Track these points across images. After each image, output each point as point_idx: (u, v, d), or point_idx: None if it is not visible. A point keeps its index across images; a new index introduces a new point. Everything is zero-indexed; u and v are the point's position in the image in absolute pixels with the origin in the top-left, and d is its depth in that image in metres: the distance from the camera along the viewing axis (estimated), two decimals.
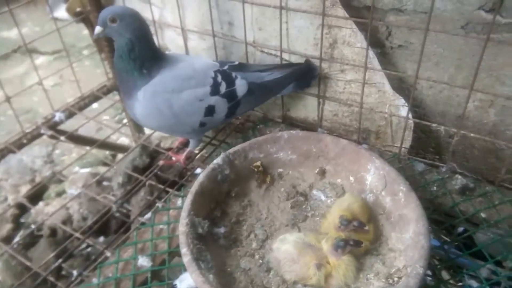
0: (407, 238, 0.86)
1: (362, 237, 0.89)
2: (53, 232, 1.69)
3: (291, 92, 1.29)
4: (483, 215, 1.02)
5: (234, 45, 1.34)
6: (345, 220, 0.89)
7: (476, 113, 1.15)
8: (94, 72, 2.88)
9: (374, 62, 1.13)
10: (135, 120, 1.17)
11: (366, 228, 0.90)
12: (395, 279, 0.82)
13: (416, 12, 1.07)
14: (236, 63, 1.21)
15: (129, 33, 1.04)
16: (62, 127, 1.58)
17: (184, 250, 0.83)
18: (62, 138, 1.47)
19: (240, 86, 1.14)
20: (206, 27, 1.34)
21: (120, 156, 2.22)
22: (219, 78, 1.13)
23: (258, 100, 1.21)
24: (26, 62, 3.37)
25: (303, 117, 1.39)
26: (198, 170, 1.23)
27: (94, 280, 0.96)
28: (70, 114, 1.55)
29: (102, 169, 2.23)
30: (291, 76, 1.19)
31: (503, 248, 0.95)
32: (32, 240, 1.73)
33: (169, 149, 1.46)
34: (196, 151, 1.35)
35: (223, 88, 1.12)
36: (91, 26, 1.65)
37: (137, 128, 1.92)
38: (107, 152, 2.31)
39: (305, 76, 1.22)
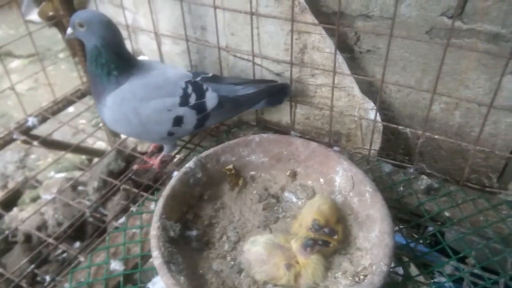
0: (373, 237, 0.88)
1: (331, 237, 0.91)
2: (28, 238, 1.67)
3: (262, 108, 1.30)
4: (447, 213, 1.06)
5: (207, 49, 1.36)
6: (317, 225, 0.91)
7: (442, 115, 1.19)
8: (70, 76, 2.85)
9: (343, 66, 1.16)
10: (105, 124, 1.18)
11: (336, 237, 0.91)
12: (361, 277, 0.85)
13: (383, 18, 1.11)
14: (210, 74, 1.20)
15: (96, 39, 1.04)
16: (37, 132, 1.57)
17: (155, 253, 0.84)
18: (35, 143, 1.46)
19: (210, 99, 1.14)
20: (179, 31, 1.35)
21: (96, 160, 2.21)
22: (190, 89, 1.13)
23: (228, 113, 1.22)
24: (0, 66, 3.32)
25: (276, 120, 1.41)
26: (175, 174, 1.24)
27: (66, 285, 0.96)
28: (43, 119, 1.54)
29: (78, 174, 2.21)
30: (263, 92, 1.19)
31: (465, 245, 0.99)
32: (6, 247, 1.71)
33: (144, 154, 1.47)
34: (171, 155, 1.36)
35: (192, 99, 1.12)
36: (63, 30, 1.64)
37: (113, 132, 1.91)
38: (84, 157, 2.30)
39: (278, 93, 1.23)
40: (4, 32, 3.76)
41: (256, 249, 0.89)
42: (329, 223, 0.92)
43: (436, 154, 1.27)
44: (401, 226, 1.07)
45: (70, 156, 1.94)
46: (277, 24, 1.18)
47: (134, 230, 1.08)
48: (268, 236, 0.92)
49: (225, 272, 0.91)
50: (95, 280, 0.97)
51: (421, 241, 1.05)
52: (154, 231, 0.87)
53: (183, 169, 1.01)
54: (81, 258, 1.09)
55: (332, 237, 0.91)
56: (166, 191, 0.95)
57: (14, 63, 3.46)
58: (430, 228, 1.09)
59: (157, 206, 0.92)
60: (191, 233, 0.97)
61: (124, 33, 1.33)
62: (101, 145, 2.42)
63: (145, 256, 1.01)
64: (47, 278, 1.05)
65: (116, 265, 0.99)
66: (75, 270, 1.00)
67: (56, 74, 3.09)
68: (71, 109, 2.03)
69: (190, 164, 1.02)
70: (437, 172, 1.27)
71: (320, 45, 1.15)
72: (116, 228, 1.11)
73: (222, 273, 0.91)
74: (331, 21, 1.14)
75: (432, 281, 0.97)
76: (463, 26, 1.03)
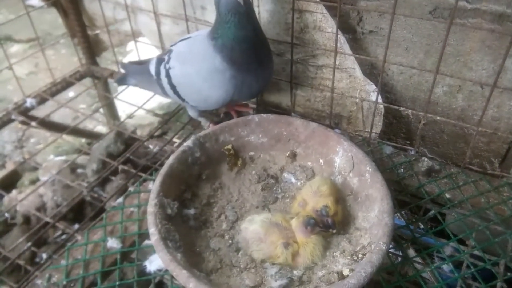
0: (372, 217, 0.88)
1: (327, 228, 0.90)
2: (27, 220, 1.67)
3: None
4: (447, 195, 1.05)
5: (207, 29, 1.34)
6: (325, 211, 0.90)
7: (445, 98, 1.18)
8: (71, 60, 2.84)
9: (345, 47, 1.14)
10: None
11: (334, 231, 0.90)
12: (360, 255, 0.84)
13: None
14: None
15: None
16: (36, 114, 1.56)
17: (152, 230, 0.83)
18: (33, 123, 1.45)
19: None
20: (179, 11, 1.33)
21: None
22: None
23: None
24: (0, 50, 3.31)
25: (277, 102, 1.39)
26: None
27: (63, 262, 0.96)
28: (41, 100, 1.53)
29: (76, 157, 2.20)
30: None
31: (466, 227, 0.98)
32: (5, 229, 1.70)
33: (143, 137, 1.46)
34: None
35: None
36: (62, 11, 1.62)
37: (112, 114, 1.90)
38: (83, 141, 2.29)
39: None
40: (4, 16, 3.74)
41: (253, 228, 0.89)
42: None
43: (438, 139, 1.26)
44: (401, 208, 1.06)
45: (70, 140, 1.93)
46: (277, 2, 1.16)
47: (131, 209, 1.07)
48: (266, 215, 0.91)
49: (223, 250, 0.91)
50: (91, 257, 0.96)
51: (420, 223, 1.05)
52: (151, 208, 0.87)
53: (181, 148, 1.00)
54: (79, 237, 1.08)
55: (330, 229, 0.89)
56: (164, 169, 0.94)
57: (14, 48, 3.44)
58: (432, 212, 1.08)
59: (154, 184, 0.91)
60: (189, 212, 0.96)
61: (123, 14, 1.32)
62: (101, 129, 2.42)
63: (143, 235, 1.01)
64: (44, 255, 1.04)
65: (113, 243, 0.98)
66: (71, 247, 0.99)
67: (56, 59, 3.08)
68: (71, 93, 2.03)
69: (188, 142, 1.01)
70: (439, 157, 1.26)
71: (322, 24, 1.14)
72: (114, 207, 1.10)
73: (219, 251, 0.91)
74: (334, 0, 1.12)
75: (436, 263, 0.96)
76: (467, 5, 1.01)
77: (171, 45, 1.17)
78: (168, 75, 1.12)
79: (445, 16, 1.05)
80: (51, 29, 3.38)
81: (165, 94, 1.18)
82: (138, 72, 1.25)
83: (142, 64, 1.25)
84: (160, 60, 1.15)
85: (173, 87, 1.13)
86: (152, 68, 1.17)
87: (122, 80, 1.32)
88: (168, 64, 1.12)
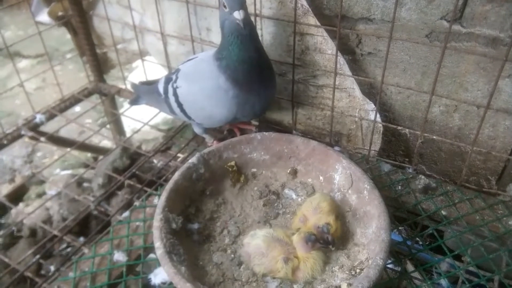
0: (370, 233, 0.91)
1: (327, 245, 0.93)
2: (33, 232, 1.69)
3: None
4: (443, 212, 1.08)
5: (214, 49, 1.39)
6: (327, 229, 0.92)
7: (442, 117, 1.21)
8: (78, 76, 2.90)
9: (345, 68, 1.18)
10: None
11: (333, 249, 0.93)
12: (358, 270, 0.87)
13: (384, 21, 1.13)
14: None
15: None
16: (44, 129, 1.60)
17: (157, 244, 0.86)
18: (42, 139, 1.49)
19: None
20: (185, 32, 1.38)
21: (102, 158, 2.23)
22: None
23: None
24: (9, 65, 3.37)
25: (278, 120, 1.43)
26: None
27: (71, 274, 0.99)
28: (50, 116, 1.57)
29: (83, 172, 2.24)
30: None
31: (461, 243, 1.01)
32: (12, 241, 1.73)
33: (148, 152, 1.49)
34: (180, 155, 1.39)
35: None
36: (72, 30, 1.68)
37: (119, 130, 1.94)
38: (89, 155, 2.33)
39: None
40: (13, 32, 3.82)
41: (255, 242, 0.91)
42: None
43: (436, 156, 1.29)
44: (398, 224, 1.09)
45: (76, 154, 1.97)
46: (280, 25, 1.21)
47: (137, 223, 1.10)
48: (268, 230, 0.94)
49: (225, 264, 0.94)
50: (98, 270, 0.99)
51: (417, 239, 1.07)
52: (157, 222, 0.90)
53: (186, 164, 1.03)
54: (85, 250, 1.11)
55: (329, 246, 0.92)
56: (169, 185, 0.98)
57: (22, 63, 3.51)
58: (429, 228, 1.11)
59: (160, 199, 0.95)
60: (193, 226, 0.99)
61: (131, 34, 1.37)
62: (106, 143, 2.46)
63: (148, 248, 1.04)
64: (52, 268, 1.07)
65: (119, 256, 1.01)
66: (79, 259, 1.02)
67: (63, 74, 3.14)
68: (77, 108, 2.08)
69: (193, 159, 1.04)
70: (437, 174, 1.29)
71: (322, 46, 1.18)
72: (120, 221, 1.13)
73: (222, 265, 0.93)
74: (334, 23, 1.16)
75: (435, 278, 0.99)
76: (462, 30, 1.05)
77: (179, 65, 1.21)
78: (175, 94, 1.16)
79: (441, 39, 1.09)
80: (58, 45, 3.45)
81: (172, 112, 1.21)
82: (148, 92, 1.30)
83: (151, 84, 1.29)
84: (168, 79, 1.19)
85: (179, 105, 1.17)
86: (161, 87, 1.21)
87: (135, 101, 1.37)
88: (175, 83, 1.16)
